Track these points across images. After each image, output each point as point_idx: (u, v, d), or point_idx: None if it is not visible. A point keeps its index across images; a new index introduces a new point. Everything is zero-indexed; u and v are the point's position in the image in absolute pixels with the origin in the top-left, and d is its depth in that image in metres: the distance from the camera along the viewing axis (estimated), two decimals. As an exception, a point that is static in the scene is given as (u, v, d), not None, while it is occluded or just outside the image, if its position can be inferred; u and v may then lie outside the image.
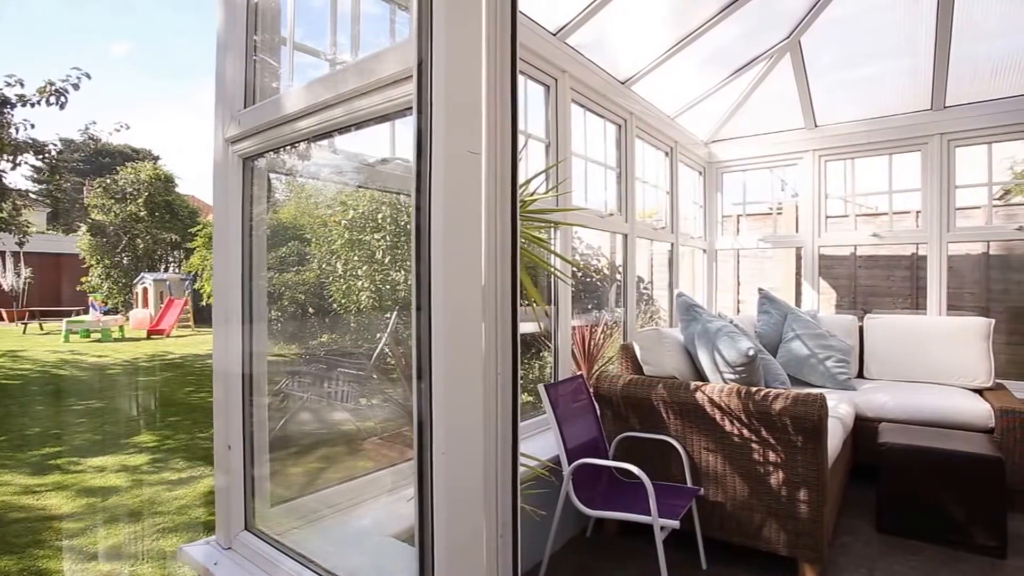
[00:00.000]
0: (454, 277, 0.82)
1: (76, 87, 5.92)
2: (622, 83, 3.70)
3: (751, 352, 2.44)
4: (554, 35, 3.03)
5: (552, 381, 2.86)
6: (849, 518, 3.01)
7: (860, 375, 4.20)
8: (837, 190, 5.12)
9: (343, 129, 1.32)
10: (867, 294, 5.89)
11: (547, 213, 2.47)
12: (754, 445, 2.39)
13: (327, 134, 1.40)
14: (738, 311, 6.38)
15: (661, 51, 3.63)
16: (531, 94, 3.02)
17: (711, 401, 2.44)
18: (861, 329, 4.27)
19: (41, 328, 11.91)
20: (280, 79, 1.71)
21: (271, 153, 1.67)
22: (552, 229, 3.06)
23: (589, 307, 7.01)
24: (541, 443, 2.76)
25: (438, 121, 0.79)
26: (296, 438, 3.63)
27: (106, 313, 12.32)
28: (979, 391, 3.63)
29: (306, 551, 1.53)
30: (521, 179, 1.93)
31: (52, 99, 5.79)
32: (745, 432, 2.40)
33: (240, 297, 1.64)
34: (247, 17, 1.59)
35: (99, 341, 10.35)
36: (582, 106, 3.41)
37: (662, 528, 2.14)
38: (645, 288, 7.29)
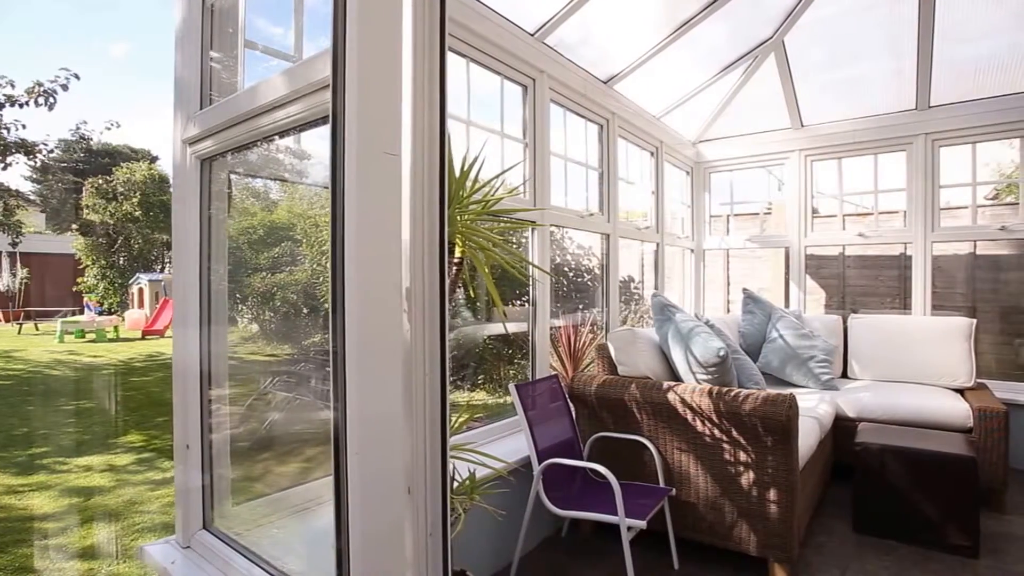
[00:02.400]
0: (369, 279, 0.82)
1: (65, 88, 5.93)
2: (604, 83, 3.70)
3: (722, 352, 2.44)
4: (532, 35, 3.03)
5: (530, 380, 2.86)
6: (827, 518, 3.01)
7: (844, 375, 4.20)
8: (828, 189, 5.12)
9: (292, 130, 1.32)
10: (856, 294, 5.90)
11: (514, 213, 2.47)
12: (725, 445, 2.39)
13: (278, 134, 1.40)
14: (728, 311, 6.38)
15: (643, 50, 3.63)
16: (508, 94, 3.02)
17: (683, 401, 2.44)
18: (845, 329, 4.27)
19: (36, 328, 11.94)
20: (241, 80, 1.72)
21: (231, 153, 1.68)
22: (531, 230, 3.07)
23: (580, 307, 7.03)
24: (517, 443, 2.76)
25: (350, 122, 0.80)
26: (275, 438, 3.64)
27: (101, 313, 12.34)
28: (961, 391, 3.64)
29: (262, 550, 1.54)
30: (483, 179, 1.93)
31: (40, 100, 5.81)
32: (716, 432, 2.40)
33: (198, 298, 1.64)
34: (203, 18, 1.60)
35: (94, 341, 10.37)
36: (562, 106, 3.41)
37: (629, 528, 2.14)
38: (636, 288, 7.30)
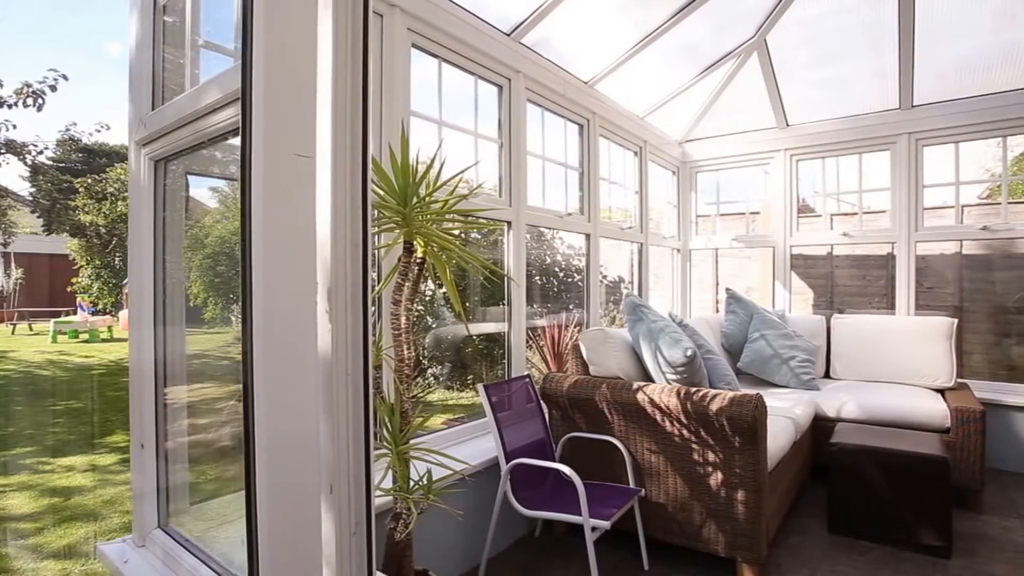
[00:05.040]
0: (277, 279, 0.82)
1: (53, 88, 5.94)
2: (585, 83, 3.69)
3: (690, 352, 2.44)
4: (508, 35, 3.03)
5: (504, 380, 2.85)
6: (803, 518, 3.01)
7: (827, 375, 4.20)
8: (816, 189, 5.11)
9: (231, 133, 1.32)
10: (845, 294, 5.89)
11: (487, 212, 2.46)
12: (694, 446, 2.39)
13: (221, 137, 1.40)
14: (716, 310, 6.37)
15: (624, 49, 3.62)
16: (483, 94, 3.01)
17: (651, 402, 2.44)
18: (829, 329, 4.27)
19: (30, 329, 11.94)
20: (197, 80, 1.71)
21: (186, 155, 1.67)
22: (507, 230, 3.06)
23: (571, 306, 7.03)
24: (491, 443, 2.75)
25: (256, 125, 0.80)
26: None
27: (95, 314, 12.34)
28: (942, 391, 3.63)
29: (216, 548, 1.54)
30: (446, 178, 1.92)
31: (29, 101, 5.83)
32: (685, 433, 2.40)
33: (152, 299, 1.64)
34: (155, 16, 1.59)
35: (87, 342, 10.37)
36: (540, 106, 3.40)
37: (594, 529, 2.14)
38: (626, 288, 7.29)
